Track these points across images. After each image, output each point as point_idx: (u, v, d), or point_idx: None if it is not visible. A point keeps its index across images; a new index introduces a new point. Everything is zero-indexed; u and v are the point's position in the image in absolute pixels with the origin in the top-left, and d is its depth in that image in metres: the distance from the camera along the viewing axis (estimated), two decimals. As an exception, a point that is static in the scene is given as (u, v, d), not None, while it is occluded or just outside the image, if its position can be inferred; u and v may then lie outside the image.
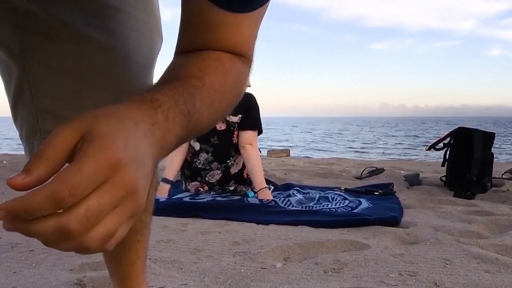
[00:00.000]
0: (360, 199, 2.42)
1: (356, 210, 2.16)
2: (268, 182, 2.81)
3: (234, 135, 2.53)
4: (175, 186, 2.67)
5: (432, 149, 3.18)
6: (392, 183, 2.88)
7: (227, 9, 0.53)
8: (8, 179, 0.34)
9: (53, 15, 0.64)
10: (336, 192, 2.65)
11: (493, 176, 3.04)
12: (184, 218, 2.02)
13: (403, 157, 9.71)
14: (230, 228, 1.81)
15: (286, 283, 1.20)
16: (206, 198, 2.43)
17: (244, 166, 2.56)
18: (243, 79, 0.60)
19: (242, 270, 1.29)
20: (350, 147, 14.91)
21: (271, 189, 2.62)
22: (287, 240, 1.61)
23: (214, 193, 2.57)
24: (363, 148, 14.48)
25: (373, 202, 2.35)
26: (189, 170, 2.60)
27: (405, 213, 2.12)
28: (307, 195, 2.56)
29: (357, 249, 1.54)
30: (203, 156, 2.54)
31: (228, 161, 2.54)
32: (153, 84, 0.59)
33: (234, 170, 2.56)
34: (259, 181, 2.46)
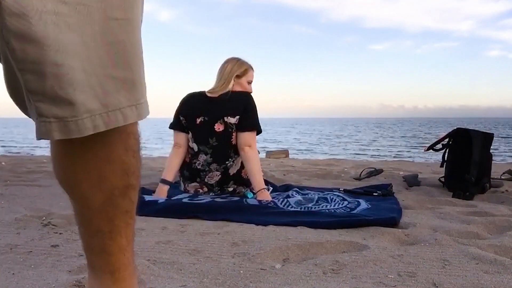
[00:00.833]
0: (359, 200, 2.43)
1: (355, 211, 2.16)
2: (267, 183, 2.81)
3: (232, 136, 2.53)
4: (174, 187, 2.67)
5: (430, 149, 3.19)
6: (391, 184, 2.88)
7: None
8: None
9: None
10: (335, 193, 2.66)
11: (492, 177, 3.04)
12: (183, 219, 2.02)
13: (402, 158, 9.73)
14: (229, 229, 1.81)
15: (285, 284, 1.20)
16: (205, 199, 2.43)
17: (242, 166, 2.56)
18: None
19: (241, 271, 1.29)
20: (345, 148, 14.92)
21: (270, 190, 2.62)
22: (286, 241, 1.61)
23: (213, 194, 2.57)
24: (362, 149, 14.49)
25: (372, 203, 2.36)
26: (188, 171, 2.60)
27: (404, 214, 2.12)
28: (306, 196, 2.56)
29: (356, 250, 1.54)
30: (202, 157, 2.54)
31: (227, 162, 2.54)
32: None
33: (233, 171, 2.56)
34: (258, 182, 2.46)
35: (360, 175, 3.56)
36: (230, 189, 2.60)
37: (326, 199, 2.47)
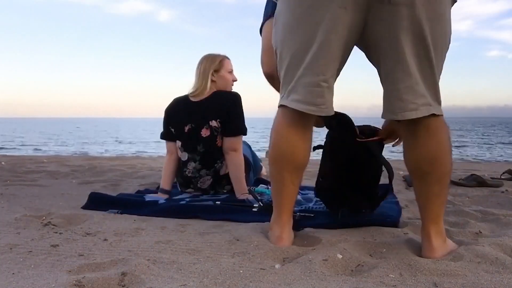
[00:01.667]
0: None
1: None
2: (267, 183, 2.81)
3: (217, 139, 2.51)
4: (174, 186, 2.68)
5: None
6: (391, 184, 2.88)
7: None
8: None
9: None
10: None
11: (491, 176, 3.05)
12: (183, 219, 2.02)
13: (402, 158, 9.71)
14: (229, 228, 1.81)
15: (285, 284, 1.20)
16: (205, 201, 2.42)
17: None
18: None
19: (241, 271, 1.29)
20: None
21: (269, 184, 2.66)
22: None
23: (211, 195, 2.56)
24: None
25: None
26: (181, 178, 2.61)
27: (403, 213, 2.12)
28: (306, 195, 2.55)
29: (356, 249, 1.53)
30: (191, 165, 2.54)
31: (215, 165, 2.53)
32: None
33: (223, 171, 2.55)
34: (240, 188, 2.46)
35: (360, 175, 3.55)
36: (225, 190, 2.59)
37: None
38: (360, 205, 1.93)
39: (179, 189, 2.68)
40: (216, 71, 2.57)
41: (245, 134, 2.54)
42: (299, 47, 1.36)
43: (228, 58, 2.65)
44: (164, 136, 2.66)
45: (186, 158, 2.56)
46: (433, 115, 1.34)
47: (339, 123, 1.75)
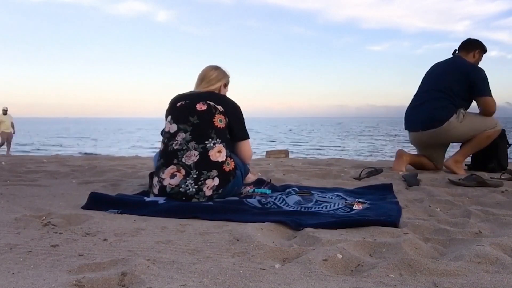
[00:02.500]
0: (359, 200, 2.42)
1: (355, 211, 2.16)
2: (266, 183, 2.81)
3: (215, 118, 2.49)
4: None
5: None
6: (391, 184, 2.88)
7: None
8: None
9: None
10: (334, 192, 2.66)
11: (491, 176, 3.05)
12: (183, 219, 2.02)
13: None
14: (229, 228, 1.81)
15: (285, 284, 1.20)
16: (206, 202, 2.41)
17: (229, 157, 2.51)
18: None
19: (241, 271, 1.29)
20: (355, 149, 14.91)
21: (268, 185, 2.77)
22: (286, 240, 1.60)
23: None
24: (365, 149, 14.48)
25: (372, 203, 2.35)
26: (163, 157, 2.50)
27: (403, 213, 2.12)
28: (306, 196, 2.55)
29: (356, 249, 1.53)
30: (181, 135, 2.47)
31: (206, 142, 2.44)
32: None
33: (214, 156, 2.44)
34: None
35: (360, 175, 3.56)
36: (212, 177, 2.43)
37: (325, 198, 2.47)
38: None
39: (153, 187, 2.51)
40: (225, 85, 2.72)
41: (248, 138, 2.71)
42: None
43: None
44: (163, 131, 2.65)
45: (175, 129, 2.48)
46: None
47: None
